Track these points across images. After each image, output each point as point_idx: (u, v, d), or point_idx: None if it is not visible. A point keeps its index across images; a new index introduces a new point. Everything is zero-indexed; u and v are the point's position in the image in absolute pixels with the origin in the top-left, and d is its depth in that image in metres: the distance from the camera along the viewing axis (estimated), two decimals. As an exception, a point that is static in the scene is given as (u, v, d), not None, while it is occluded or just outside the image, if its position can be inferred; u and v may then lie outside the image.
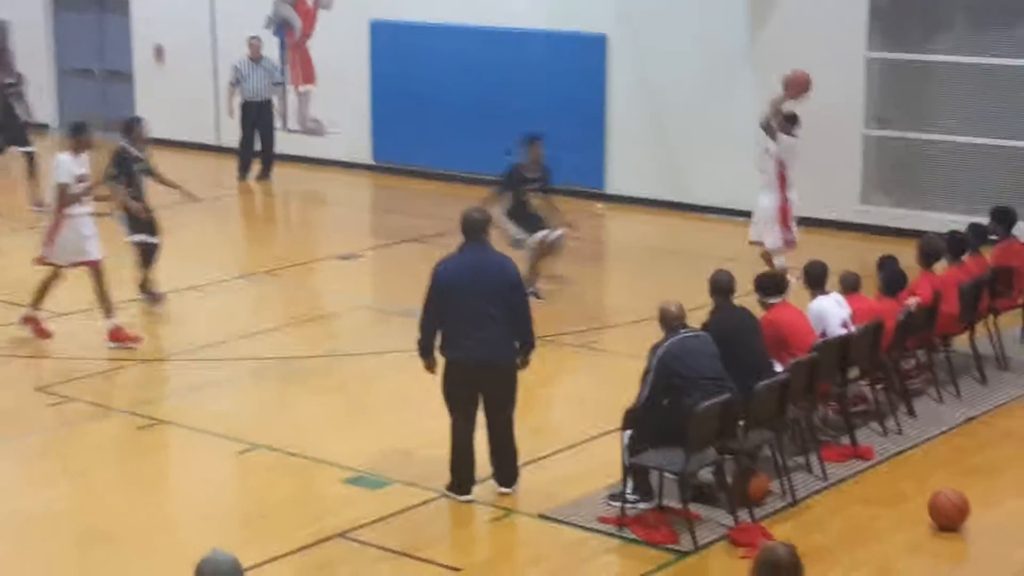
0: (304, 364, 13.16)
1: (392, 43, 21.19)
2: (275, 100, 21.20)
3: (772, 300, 10.96)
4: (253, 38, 20.87)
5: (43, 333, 13.64)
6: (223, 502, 10.22)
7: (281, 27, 22.39)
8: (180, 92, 22.72)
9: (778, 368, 10.31)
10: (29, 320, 13.69)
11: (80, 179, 13.32)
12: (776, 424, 10.10)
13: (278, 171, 21.00)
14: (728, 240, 16.62)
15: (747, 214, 15.27)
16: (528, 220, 15.06)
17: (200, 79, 22.83)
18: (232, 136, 21.36)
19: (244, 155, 21.06)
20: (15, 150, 19.10)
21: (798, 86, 14.47)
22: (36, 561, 9.13)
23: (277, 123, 21.43)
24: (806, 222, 18.00)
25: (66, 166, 13.33)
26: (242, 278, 16.01)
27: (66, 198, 13.22)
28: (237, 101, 20.77)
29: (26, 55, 25.04)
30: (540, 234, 14.95)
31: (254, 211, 20.73)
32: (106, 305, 13.48)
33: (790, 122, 14.62)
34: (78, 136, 13.47)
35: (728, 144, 18.37)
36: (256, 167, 21.06)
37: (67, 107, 24.86)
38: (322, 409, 12.06)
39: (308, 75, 22.16)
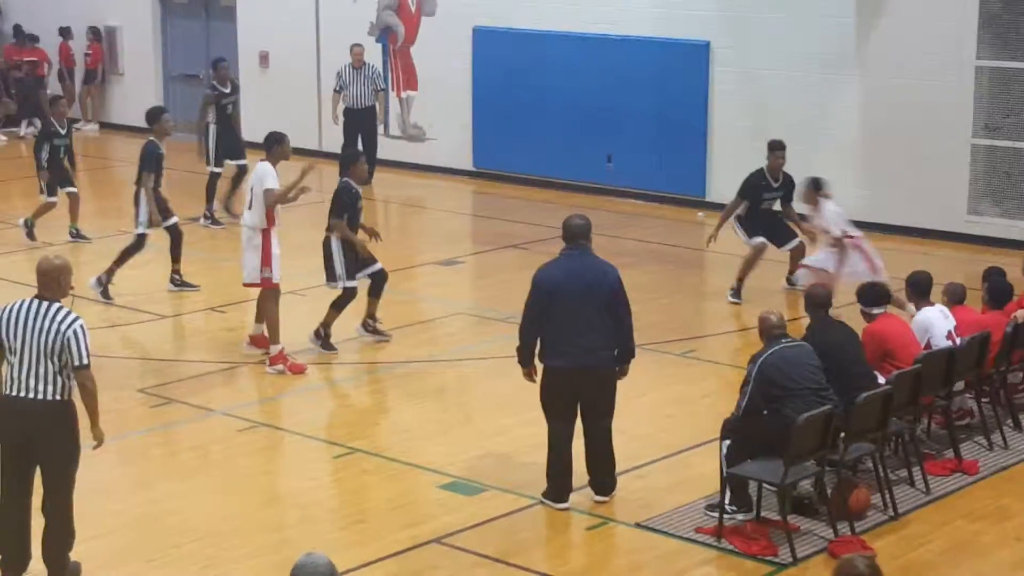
0: (403, 369, 13.19)
1: (494, 50, 21.23)
2: (377, 106, 21.32)
3: (875, 311, 10.82)
4: (356, 45, 21.00)
5: (296, 368, 12.86)
6: (321, 505, 10.26)
7: (384, 34, 22.52)
8: (284, 98, 22.92)
9: (880, 380, 10.16)
10: (257, 340, 13.31)
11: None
12: (877, 436, 9.95)
13: (380, 176, 21.10)
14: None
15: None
16: (763, 228, 15.14)
17: (304, 85, 23.03)
18: (335, 142, 21.49)
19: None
20: (229, 163, 18.71)
21: None
22: (137, 561, 9.22)
23: (379, 129, 21.56)
24: (912, 232, 17.80)
25: (273, 175, 12.86)
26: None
27: (274, 211, 12.80)
28: (340, 107, 20.92)
29: (134, 59, 25.56)
30: (758, 241, 15.17)
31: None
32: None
33: (816, 187, 14.46)
34: (275, 146, 13.02)
35: (833, 152, 18.17)
36: None
37: (173, 112, 25.16)
38: (420, 414, 12.08)
39: (410, 81, 22.27)
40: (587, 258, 9.85)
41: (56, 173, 17.42)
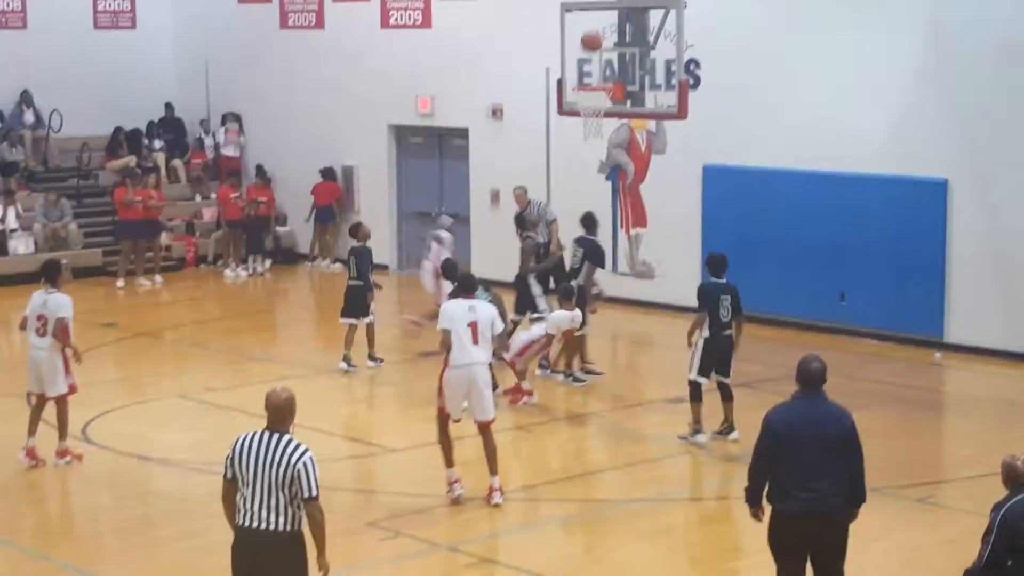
0: (629, 508, 13.01)
1: (725, 187, 21.17)
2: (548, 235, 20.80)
3: None
4: (517, 188, 20.08)
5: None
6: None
7: (614, 171, 22.67)
8: (512, 232, 23.09)
9: None
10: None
11: None
12: None
13: (606, 312, 21.00)
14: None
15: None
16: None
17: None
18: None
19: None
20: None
21: None
22: None
23: (608, 266, 21.53)
24: None
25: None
26: (564, 419, 16.04)
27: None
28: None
29: (370, 197, 26.24)
30: None
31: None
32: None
33: None
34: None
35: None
36: None
37: (405, 249, 25.76)
38: (646, 554, 11.87)
39: (639, 218, 22.33)
40: (822, 403, 9.61)
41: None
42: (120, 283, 24.57)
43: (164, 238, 26.09)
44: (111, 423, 15.50)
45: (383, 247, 25.64)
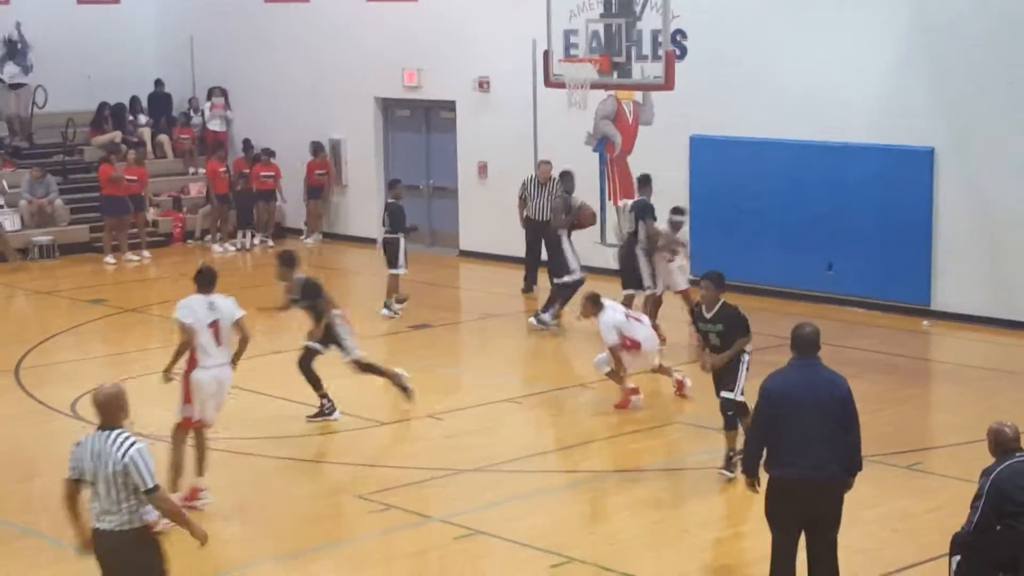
0: (620, 478, 13.05)
1: (712, 158, 21.18)
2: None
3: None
4: (543, 162, 21.09)
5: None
6: (537, 615, 10.15)
7: (601, 143, 22.66)
8: (501, 206, 23.13)
9: None
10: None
11: None
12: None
13: (596, 284, 21.01)
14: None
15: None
16: None
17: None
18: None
19: (529, 268, 21.50)
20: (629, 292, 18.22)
21: None
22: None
23: (597, 238, 21.59)
24: None
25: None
26: (557, 390, 16.07)
27: None
28: (524, 215, 21.10)
29: (357, 171, 26.21)
30: None
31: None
32: None
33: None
34: None
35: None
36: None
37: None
38: (638, 524, 11.91)
39: (627, 190, 22.28)
40: (818, 368, 9.65)
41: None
42: (110, 259, 24.54)
43: (151, 213, 26.06)
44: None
45: (370, 220, 25.65)
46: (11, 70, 27.13)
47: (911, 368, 17.10)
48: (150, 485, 8.31)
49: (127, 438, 8.36)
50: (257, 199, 26.35)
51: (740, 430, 12.52)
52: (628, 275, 18.20)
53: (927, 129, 19.03)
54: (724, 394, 12.87)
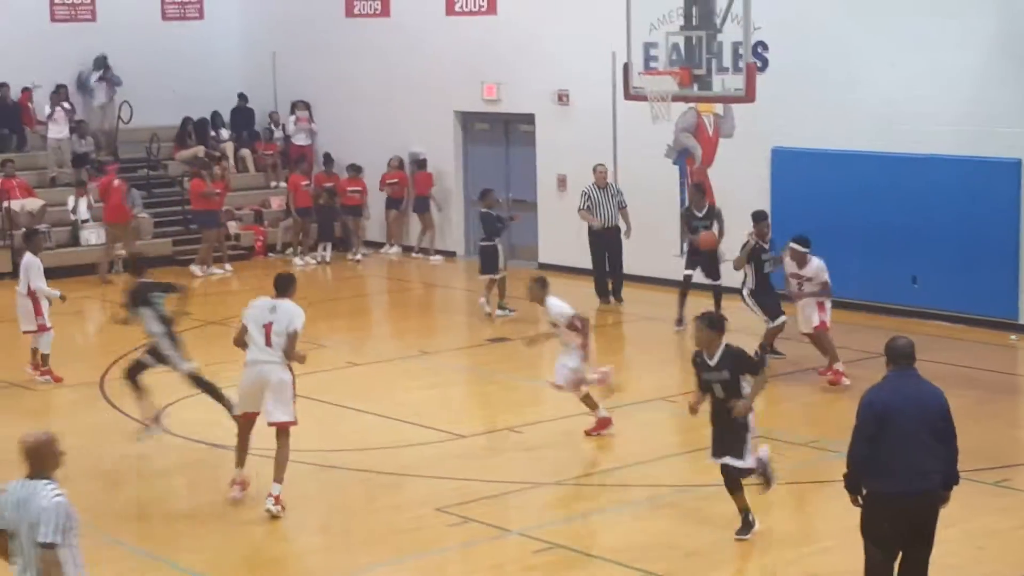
0: (701, 493, 12.93)
1: (794, 170, 21.00)
2: (623, 224, 21.47)
3: None
4: (599, 165, 21.38)
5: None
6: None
7: (681, 155, 22.56)
8: (579, 218, 23.06)
9: None
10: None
11: None
12: None
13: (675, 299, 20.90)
14: None
15: None
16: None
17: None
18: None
19: (598, 278, 21.68)
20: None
21: None
22: None
23: (675, 249, 21.51)
24: None
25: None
26: (635, 404, 15.98)
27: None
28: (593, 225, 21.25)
29: (437, 184, 26.28)
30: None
31: (618, 336, 20.83)
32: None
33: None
34: None
35: None
36: None
37: (473, 235, 25.75)
38: (719, 540, 11.78)
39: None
40: (917, 380, 9.52)
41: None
42: (199, 272, 24.83)
43: (232, 227, 26.27)
44: (183, 411, 15.62)
45: (451, 234, 25.71)
46: (98, 86, 27.52)
47: (998, 383, 16.84)
48: (48, 540, 7.70)
49: (52, 489, 7.80)
50: (339, 213, 26.49)
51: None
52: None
53: (1013, 140, 18.76)
54: (731, 461, 11.47)
